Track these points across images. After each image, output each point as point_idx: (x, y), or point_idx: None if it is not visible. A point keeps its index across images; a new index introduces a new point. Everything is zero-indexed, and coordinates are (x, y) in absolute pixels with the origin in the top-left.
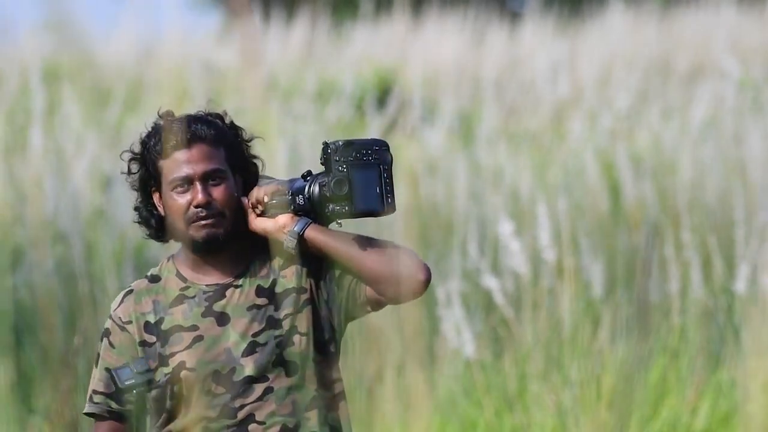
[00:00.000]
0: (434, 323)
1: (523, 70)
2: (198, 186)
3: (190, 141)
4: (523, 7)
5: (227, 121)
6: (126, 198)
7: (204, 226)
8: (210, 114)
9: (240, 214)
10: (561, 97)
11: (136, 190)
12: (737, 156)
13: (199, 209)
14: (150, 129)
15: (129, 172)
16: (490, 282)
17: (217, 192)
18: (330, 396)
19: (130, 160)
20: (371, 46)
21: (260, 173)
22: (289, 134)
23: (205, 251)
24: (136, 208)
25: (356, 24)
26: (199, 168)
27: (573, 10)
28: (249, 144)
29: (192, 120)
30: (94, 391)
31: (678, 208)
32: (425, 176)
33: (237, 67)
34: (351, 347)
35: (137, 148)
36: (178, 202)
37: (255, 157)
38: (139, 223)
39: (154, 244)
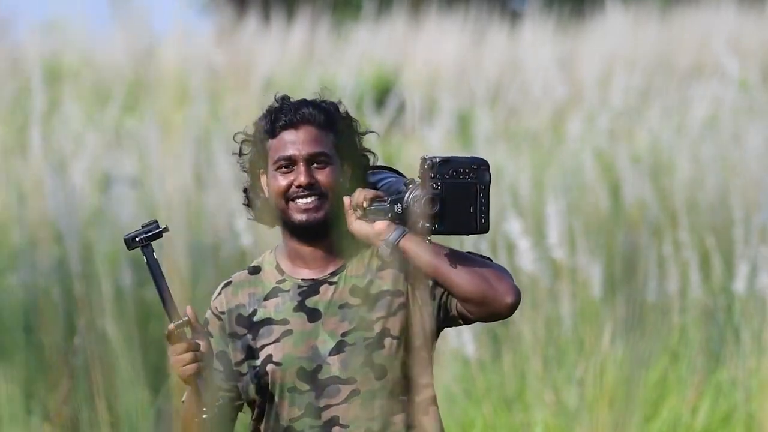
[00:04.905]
0: None
1: (523, 70)
2: (302, 167)
3: (299, 122)
4: (523, 7)
5: (342, 110)
6: (125, 198)
7: (305, 209)
8: (324, 101)
9: (343, 203)
10: (561, 97)
11: (245, 171)
12: (736, 156)
13: (300, 189)
14: (265, 111)
15: (240, 153)
16: None
17: (321, 175)
18: (419, 401)
19: (243, 141)
20: (371, 46)
21: (372, 165)
22: None
23: (303, 235)
24: (244, 190)
25: (356, 24)
26: (305, 149)
27: (573, 10)
28: (362, 136)
29: (304, 103)
30: None
31: (677, 207)
32: None
33: (231, 68)
34: None
35: (251, 130)
36: (280, 182)
37: (368, 150)
38: (246, 205)
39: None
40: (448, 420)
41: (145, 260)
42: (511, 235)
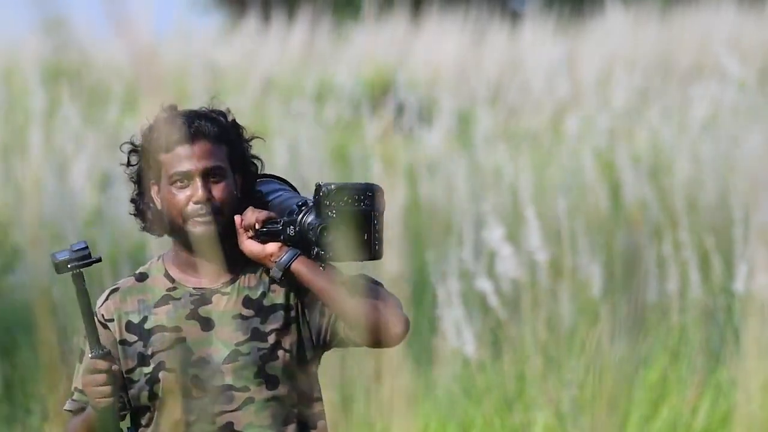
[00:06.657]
0: (434, 323)
1: (523, 70)
2: (198, 182)
3: (193, 137)
4: (523, 7)
5: (230, 119)
6: (124, 198)
7: (201, 222)
8: (213, 111)
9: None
10: (561, 97)
11: (133, 182)
12: (736, 156)
13: (198, 206)
14: (153, 122)
15: (128, 164)
16: (484, 285)
17: (217, 189)
18: (309, 414)
19: (130, 151)
20: (371, 46)
21: (260, 173)
22: (289, 134)
23: (197, 246)
24: (132, 200)
25: (356, 24)
26: (201, 164)
27: (573, 10)
28: (250, 144)
29: (195, 116)
30: (76, 388)
31: (677, 207)
32: (425, 176)
33: (237, 66)
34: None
35: (138, 141)
36: (177, 197)
37: (255, 157)
38: (134, 215)
39: (151, 245)
40: (448, 420)
41: (76, 288)
42: (493, 243)
